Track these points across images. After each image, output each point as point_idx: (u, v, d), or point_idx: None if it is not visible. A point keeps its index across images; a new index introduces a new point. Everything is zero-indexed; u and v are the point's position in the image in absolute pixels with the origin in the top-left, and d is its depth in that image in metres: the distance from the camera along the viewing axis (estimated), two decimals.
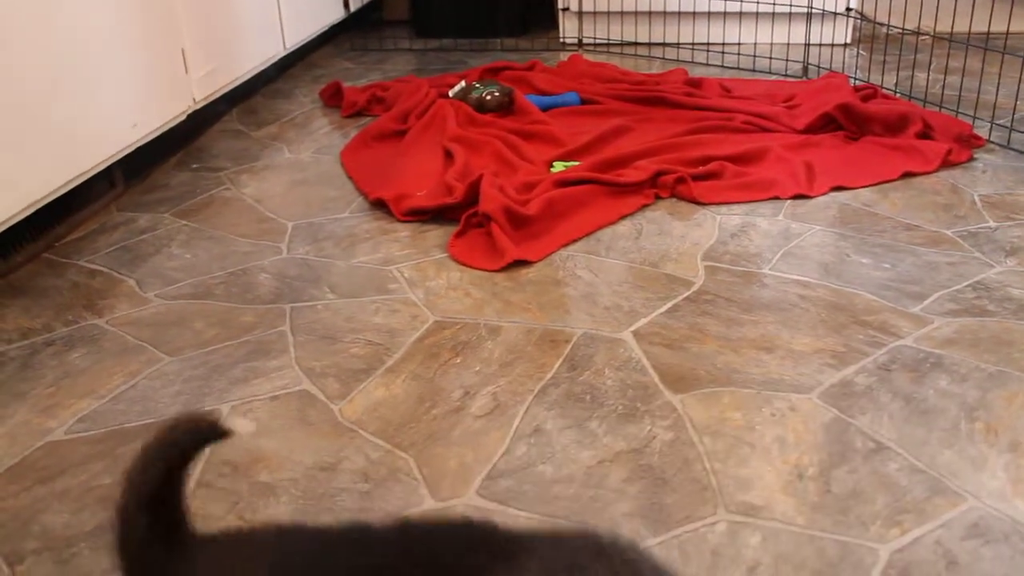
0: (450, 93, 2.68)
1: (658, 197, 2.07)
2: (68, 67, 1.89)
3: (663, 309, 1.62)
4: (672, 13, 3.32)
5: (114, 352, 1.56)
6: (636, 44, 3.38)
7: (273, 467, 1.27)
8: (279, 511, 1.19)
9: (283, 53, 3.01)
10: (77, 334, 1.63)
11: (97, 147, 2.00)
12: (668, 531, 1.14)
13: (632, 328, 1.56)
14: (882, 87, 2.66)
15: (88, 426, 1.38)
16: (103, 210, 2.14)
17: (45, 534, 1.18)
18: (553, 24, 3.72)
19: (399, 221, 1.98)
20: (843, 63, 3.11)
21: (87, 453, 1.32)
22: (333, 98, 2.84)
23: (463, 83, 2.73)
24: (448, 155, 2.24)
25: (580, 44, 3.46)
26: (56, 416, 1.41)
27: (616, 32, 3.42)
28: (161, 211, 2.12)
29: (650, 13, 3.32)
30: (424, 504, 1.19)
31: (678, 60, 3.21)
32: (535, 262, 1.78)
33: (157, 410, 1.40)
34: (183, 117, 2.37)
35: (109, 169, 2.12)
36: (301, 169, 2.34)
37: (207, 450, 1.30)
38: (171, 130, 2.32)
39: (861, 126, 2.33)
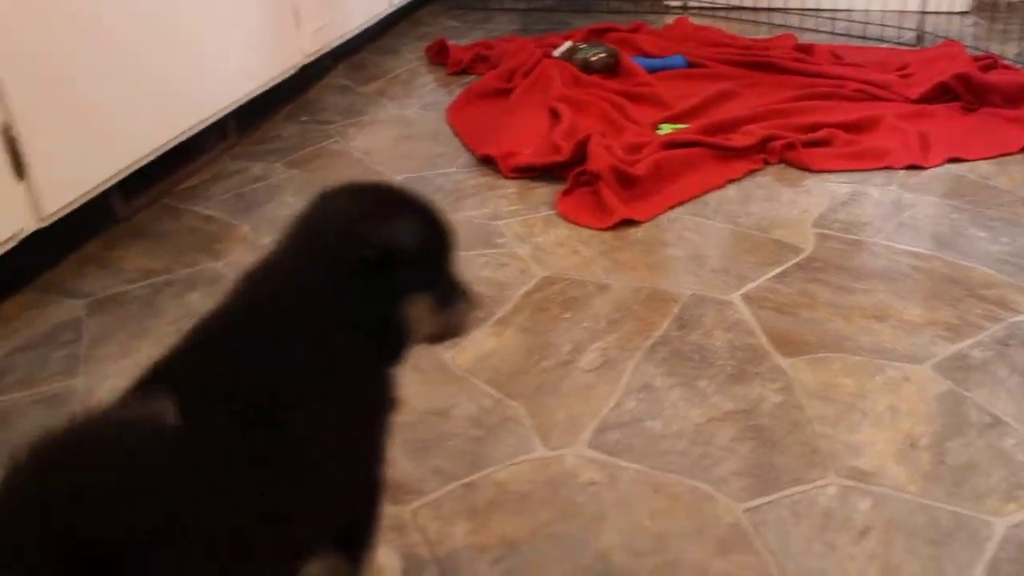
0: (555, 53, 2.67)
1: (766, 163, 2.04)
2: (185, 22, 1.94)
3: (772, 274, 1.60)
4: None
5: None
6: (742, 9, 3.31)
7: None
8: (392, 452, 1.22)
9: (389, 10, 3.03)
10: (196, 276, 1.68)
11: (212, 99, 2.05)
12: (778, 491, 1.14)
13: (741, 291, 1.55)
14: (1002, 57, 2.57)
15: None
16: (217, 159, 2.20)
17: None
18: None
19: (506, 177, 2.00)
20: (959, 32, 3.01)
21: None
22: (438, 56, 2.86)
23: (568, 44, 2.72)
24: (554, 114, 2.24)
25: (685, 8, 3.41)
26: None
27: None
28: (272, 161, 2.17)
29: None
30: (535, 452, 1.21)
31: (785, 26, 3.15)
32: (643, 222, 1.78)
33: None
34: (294, 71, 2.41)
35: (223, 120, 2.17)
36: (407, 124, 2.37)
37: None
38: (281, 84, 2.37)
39: (979, 97, 2.27)
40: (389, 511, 1.12)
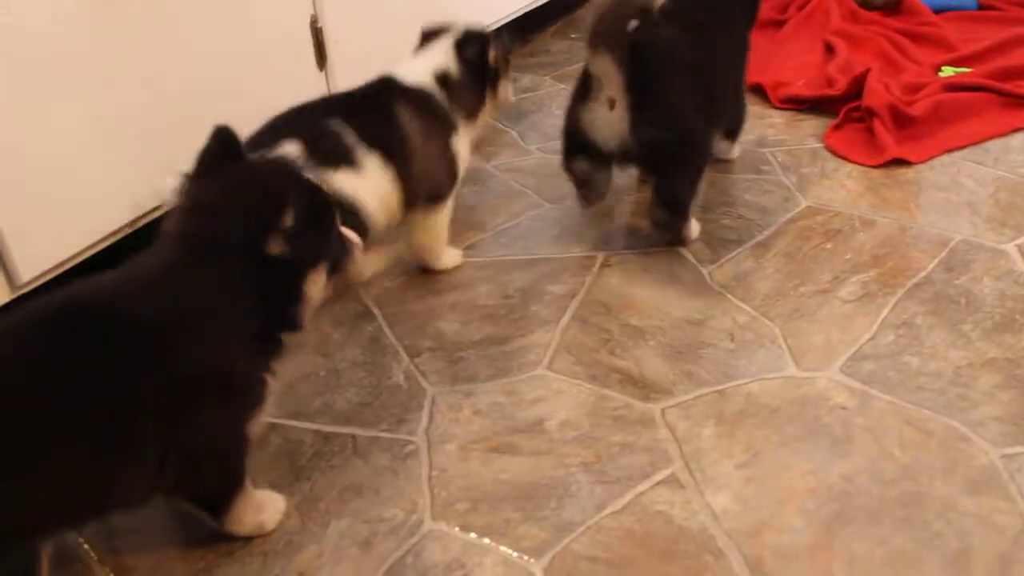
0: None
1: None
2: None
3: None
4: None
5: (500, 193, 1.69)
6: None
7: (644, 314, 1.34)
8: (646, 352, 1.27)
9: None
10: (468, 174, 1.77)
11: (493, 7, 2.12)
12: None
13: (1016, 242, 1.48)
14: None
15: (475, 253, 1.51)
16: None
17: (439, 336, 1.33)
18: None
19: (774, 108, 1.97)
20: None
21: (474, 276, 1.46)
22: None
23: None
24: (829, 48, 2.18)
25: None
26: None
27: None
28: (542, 74, 2.23)
29: None
30: (787, 371, 1.22)
31: None
32: (916, 163, 1.72)
33: (538, 248, 1.51)
34: None
35: (498, 31, 2.24)
36: None
37: (583, 289, 1.40)
38: (554, 1, 2.41)
39: None
40: (638, 407, 1.17)
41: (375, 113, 1.31)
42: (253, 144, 1.21)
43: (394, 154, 1.29)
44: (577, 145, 1.44)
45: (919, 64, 2.10)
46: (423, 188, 1.35)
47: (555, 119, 1.95)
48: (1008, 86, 1.93)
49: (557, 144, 1.82)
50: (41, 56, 1.20)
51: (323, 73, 1.67)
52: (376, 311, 1.39)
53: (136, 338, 0.87)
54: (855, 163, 1.72)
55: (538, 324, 1.33)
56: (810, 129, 1.87)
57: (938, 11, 2.43)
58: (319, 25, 1.63)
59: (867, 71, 1.90)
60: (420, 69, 1.40)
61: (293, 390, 1.24)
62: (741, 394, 1.19)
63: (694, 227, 1.49)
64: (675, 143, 1.35)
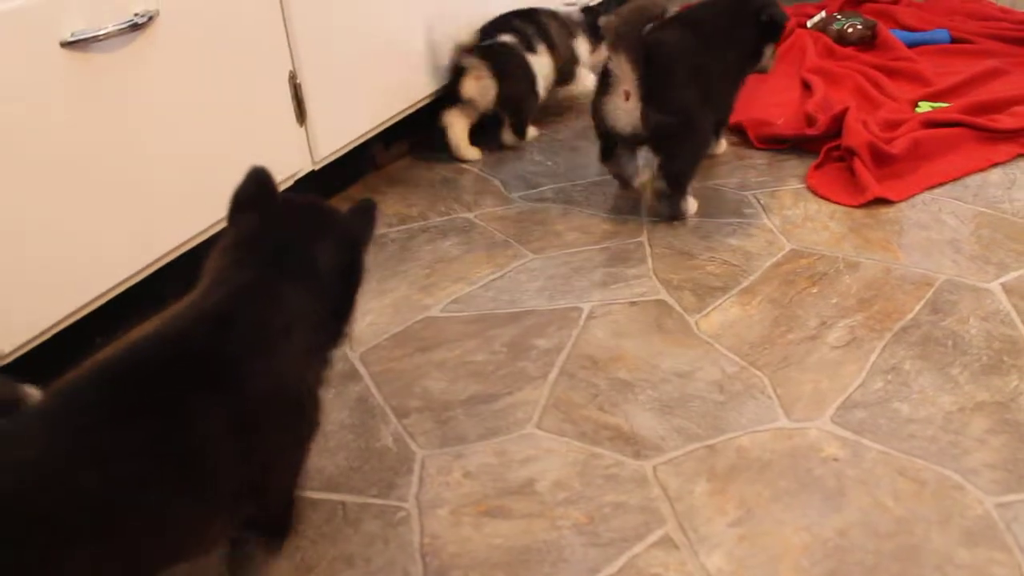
0: (809, 23, 2.61)
1: None
2: None
3: None
4: None
5: (483, 244, 1.68)
6: None
7: (631, 367, 1.34)
8: (635, 408, 1.26)
9: None
10: (449, 224, 1.77)
11: None
12: None
13: (1001, 280, 1.49)
14: None
15: (461, 307, 1.51)
16: None
17: (427, 396, 1.32)
18: None
19: (755, 148, 1.98)
20: None
21: (461, 331, 1.45)
22: None
23: (823, 14, 2.65)
24: (806, 86, 2.19)
25: None
26: (433, 295, 1.55)
27: None
28: None
29: None
30: (777, 422, 1.22)
31: None
32: (897, 201, 1.72)
33: (523, 301, 1.50)
34: None
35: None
36: None
37: (569, 343, 1.39)
38: None
39: None
40: (630, 464, 1.16)
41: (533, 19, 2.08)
42: (484, 33, 2.01)
43: (553, 47, 2.09)
44: (610, 146, 1.75)
45: (896, 99, 2.12)
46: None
47: (537, 166, 1.96)
48: (983, 120, 1.95)
49: (540, 193, 1.83)
50: (15, 121, 1.19)
51: (303, 128, 1.67)
52: (363, 370, 1.38)
53: (218, 372, 0.87)
54: (838, 203, 1.73)
55: (526, 380, 1.32)
56: (792, 170, 1.88)
57: (912, 45, 2.46)
58: (298, 81, 1.63)
59: (846, 110, 1.92)
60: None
61: None
62: (732, 448, 1.18)
63: (691, 204, 1.73)
64: (677, 127, 1.61)
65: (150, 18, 1.33)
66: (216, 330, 0.89)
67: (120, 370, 0.86)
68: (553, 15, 2.16)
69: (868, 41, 2.48)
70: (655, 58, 1.59)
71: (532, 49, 2.04)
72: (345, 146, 1.79)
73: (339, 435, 1.25)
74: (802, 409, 1.24)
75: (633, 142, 1.70)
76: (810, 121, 1.97)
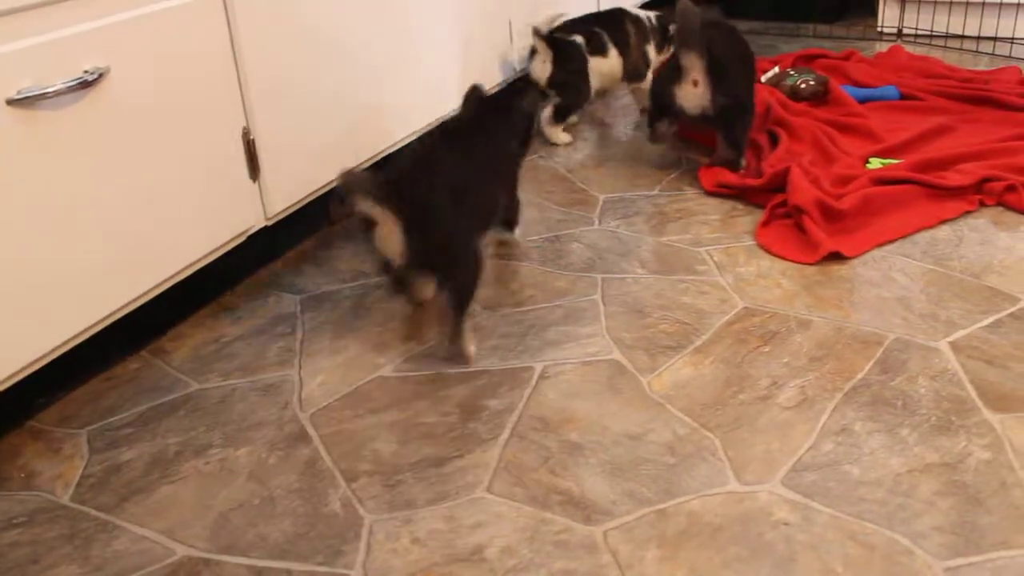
0: (763, 79, 2.65)
1: (983, 204, 1.96)
2: (404, 39, 2.03)
3: (984, 323, 1.54)
4: (1008, 5, 3.10)
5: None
6: (963, 37, 3.18)
7: (583, 429, 1.33)
8: (586, 471, 1.25)
9: None
10: None
11: (430, 111, 2.13)
12: (981, 553, 1.10)
13: (949, 339, 1.50)
14: None
15: (414, 367, 1.50)
16: None
17: (377, 458, 1.30)
18: (870, 11, 3.57)
19: (708, 203, 2.00)
20: None
21: (413, 391, 1.44)
22: None
23: (776, 69, 2.69)
24: (772, 138, 2.23)
25: (899, 34, 3.30)
26: (385, 354, 1.54)
27: (941, 23, 3.23)
28: None
29: (983, 4, 3.12)
30: (728, 485, 1.22)
31: (1010, 57, 3.01)
32: (849, 258, 1.74)
33: (476, 360, 1.50)
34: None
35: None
36: (611, 144, 2.40)
37: (521, 404, 1.38)
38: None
39: None
40: (580, 530, 1.15)
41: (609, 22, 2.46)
42: (565, 28, 2.39)
43: (626, 50, 2.46)
44: (661, 112, 2.15)
45: (848, 155, 2.15)
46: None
47: None
48: (931, 178, 1.98)
49: (496, 248, 1.82)
50: None
51: (256, 184, 1.66)
52: (312, 432, 1.36)
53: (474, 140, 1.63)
54: (790, 261, 1.74)
55: (476, 443, 1.31)
56: (744, 226, 1.89)
57: (863, 101, 2.51)
58: (251, 137, 1.63)
59: (788, 168, 1.94)
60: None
61: (227, 521, 1.20)
62: (683, 512, 1.17)
63: (743, 160, 2.15)
64: (736, 107, 2.06)
65: (100, 75, 1.32)
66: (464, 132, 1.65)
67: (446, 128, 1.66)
68: (636, 21, 2.50)
69: (821, 97, 2.53)
70: (716, 54, 2.00)
71: (601, 51, 2.40)
72: (299, 201, 1.78)
73: (286, 500, 1.23)
74: (753, 472, 1.24)
75: (698, 119, 2.06)
76: (760, 173, 2.00)
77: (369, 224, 1.44)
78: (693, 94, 2.03)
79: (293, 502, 1.23)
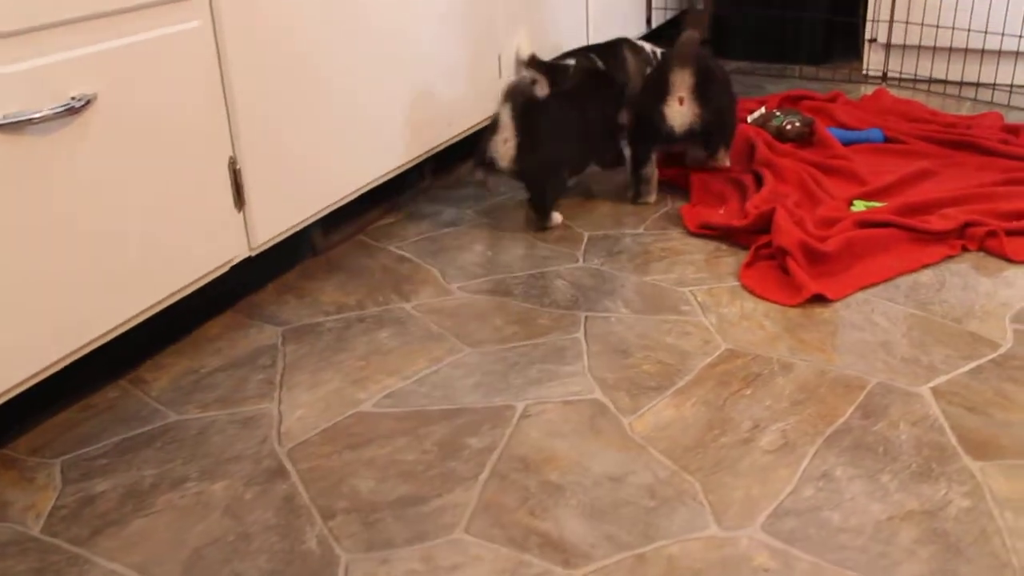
0: (749, 119, 2.66)
1: (965, 249, 1.97)
2: (393, 72, 2.04)
3: (965, 368, 1.55)
4: (991, 52, 3.14)
5: (419, 336, 1.67)
6: (946, 83, 3.22)
7: (563, 469, 1.32)
8: (566, 512, 1.24)
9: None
10: (386, 315, 1.75)
11: (416, 142, 2.14)
12: None
13: (931, 384, 1.50)
14: None
15: (394, 402, 1.49)
16: (412, 200, 2.28)
17: (355, 496, 1.29)
18: (856, 55, 3.61)
19: (693, 242, 2.00)
20: None
21: (392, 428, 1.43)
22: None
23: (763, 110, 2.71)
24: (757, 178, 2.24)
25: (884, 78, 3.34)
26: (366, 389, 1.53)
27: (924, 68, 3.27)
28: (465, 207, 2.24)
29: (966, 51, 3.16)
30: (708, 530, 1.21)
31: (992, 103, 3.04)
32: (832, 300, 1.75)
33: (457, 397, 1.49)
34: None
35: (422, 163, 2.26)
36: (596, 181, 2.41)
37: (502, 443, 1.38)
38: (478, 131, 2.44)
39: None
40: (558, 573, 1.14)
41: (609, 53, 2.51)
42: (557, 57, 2.45)
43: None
44: (646, 136, 2.25)
45: (833, 197, 2.17)
46: None
47: (477, 256, 1.96)
48: (914, 221, 1.99)
49: (479, 284, 1.83)
50: None
51: (241, 214, 1.66)
52: (290, 467, 1.34)
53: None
54: (773, 302, 1.75)
55: (456, 482, 1.30)
56: (729, 267, 1.90)
57: (847, 143, 2.52)
58: (237, 166, 1.62)
59: (773, 210, 1.95)
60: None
61: (201, 557, 1.18)
62: (663, 557, 1.16)
63: (727, 158, 2.37)
64: (719, 123, 2.24)
65: (88, 102, 1.32)
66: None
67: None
68: (637, 50, 2.55)
69: (806, 138, 2.54)
70: (705, 74, 2.14)
71: None
72: (283, 232, 1.78)
73: (262, 537, 1.21)
74: (733, 516, 1.23)
75: (683, 138, 2.19)
76: (744, 214, 2.01)
77: (495, 128, 2.01)
78: (679, 112, 2.14)
79: (269, 539, 1.21)
